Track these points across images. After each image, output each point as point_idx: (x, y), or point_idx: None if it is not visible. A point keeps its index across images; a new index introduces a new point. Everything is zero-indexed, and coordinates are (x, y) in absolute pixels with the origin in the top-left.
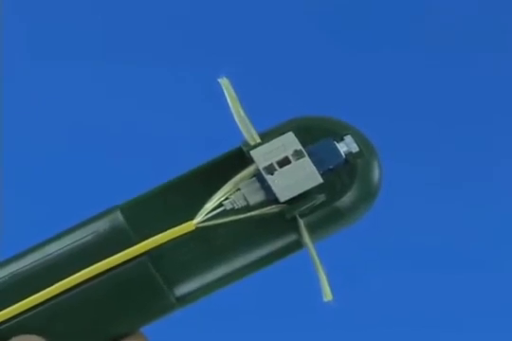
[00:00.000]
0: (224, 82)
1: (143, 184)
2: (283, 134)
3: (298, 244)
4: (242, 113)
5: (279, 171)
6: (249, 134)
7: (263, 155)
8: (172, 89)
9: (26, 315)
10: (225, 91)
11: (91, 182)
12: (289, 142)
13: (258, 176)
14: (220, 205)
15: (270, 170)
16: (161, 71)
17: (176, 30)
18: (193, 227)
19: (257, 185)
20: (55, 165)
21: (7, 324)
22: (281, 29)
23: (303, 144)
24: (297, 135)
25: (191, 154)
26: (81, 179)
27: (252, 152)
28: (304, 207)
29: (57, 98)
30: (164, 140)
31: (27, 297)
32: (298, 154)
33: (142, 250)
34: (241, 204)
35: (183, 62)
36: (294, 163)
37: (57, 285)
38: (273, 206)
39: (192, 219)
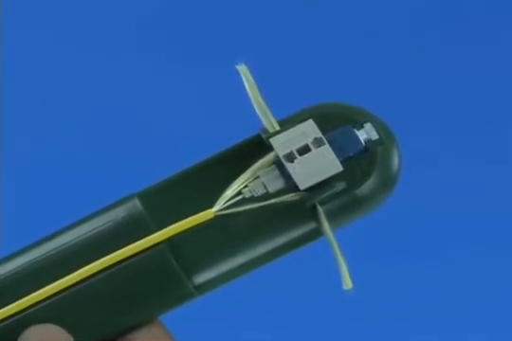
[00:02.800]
0: (242, 69)
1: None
2: (303, 121)
3: (317, 232)
4: (260, 100)
5: (299, 159)
6: (268, 121)
7: (282, 143)
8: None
9: (42, 305)
10: (243, 78)
11: (91, 181)
12: (309, 130)
13: (277, 164)
14: (239, 192)
15: (290, 157)
16: (164, 70)
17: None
18: (212, 215)
19: (276, 172)
20: (56, 165)
21: (23, 313)
22: (291, 18)
23: (323, 131)
24: (316, 123)
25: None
26: (81, 178)
27: (272, 140)
28: (324, 195)
29: (57, 98)
30: (165, 140)
31: (43, 287)
32: (318, 142)
33: (161, 238)
34: (260, 191)
35: (189, 60)
36: (314, 151)
37: (74, 274)
38: (293, 194)
39: (210, 207)
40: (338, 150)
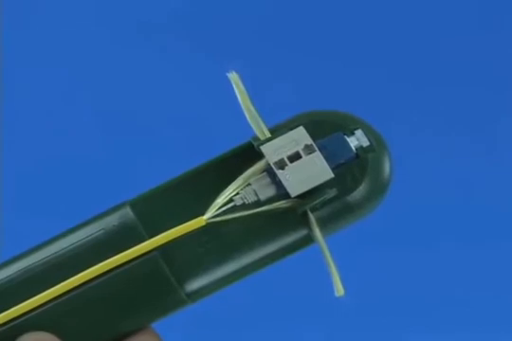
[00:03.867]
0: (233, 77)
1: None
2: (294, 128)
3: (309, 239)
4: (251, 107)
5: (290, 166)
6: (259, 128)
7: (273, 150)
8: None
9: (36, 312)
10: (234, 85)
11: (90, 183)
12: (300, 137)
13: (268, 171)
14: (231, 200)
15: (281, 164)
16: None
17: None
18: (204, 223)
19: (268, 180)
20: (56, 166)
21: (17, 321)
22: (288, 22)
23: (314, 138)
24: (307, 130)
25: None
26: (80, 179)
27: (263, 147)
28: (315, 202)
29: (56, 98)
30: (162, 143)
31: (36, 294)
32: (309, 149)
33: (153, 246)
34: (251, 199)
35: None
36: (305, 158)
37: (67, 282)
38: (284, 201)
39: (202, 214)
40: (329, 156)
